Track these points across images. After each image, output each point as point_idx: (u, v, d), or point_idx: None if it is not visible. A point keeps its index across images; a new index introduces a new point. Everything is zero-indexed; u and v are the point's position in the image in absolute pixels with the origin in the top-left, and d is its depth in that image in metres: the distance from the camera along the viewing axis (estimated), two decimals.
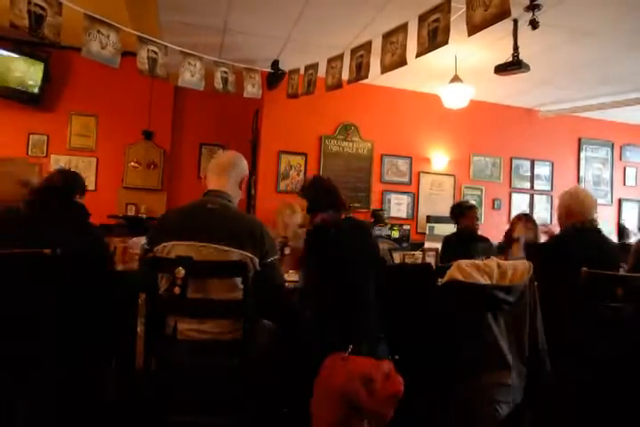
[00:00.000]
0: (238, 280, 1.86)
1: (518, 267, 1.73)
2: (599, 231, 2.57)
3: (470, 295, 1.59)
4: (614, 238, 5.38)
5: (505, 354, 1.60)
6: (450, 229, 4.29)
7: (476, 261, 1.69)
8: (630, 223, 5.87)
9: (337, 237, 2.28)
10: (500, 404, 1.59)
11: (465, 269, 1.64)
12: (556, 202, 2.82)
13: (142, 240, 2.89)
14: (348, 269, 2.21)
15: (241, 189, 2.09)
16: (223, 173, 2.03)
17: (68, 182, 2.34)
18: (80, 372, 2.05)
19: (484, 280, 1.64)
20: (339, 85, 3.83)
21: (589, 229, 2.53)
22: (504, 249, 3.71)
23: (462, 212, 3.99)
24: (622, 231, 4.90)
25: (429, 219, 5.82)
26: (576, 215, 2.56)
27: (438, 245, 3.97)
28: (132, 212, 5.67)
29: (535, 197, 6.47)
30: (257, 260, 1.87)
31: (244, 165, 2.11)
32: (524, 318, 1.68)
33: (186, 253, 1.82)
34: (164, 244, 1.86)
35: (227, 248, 1.82)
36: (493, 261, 1.71)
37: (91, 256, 2.17)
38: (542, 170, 6.51)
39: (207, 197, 2.00)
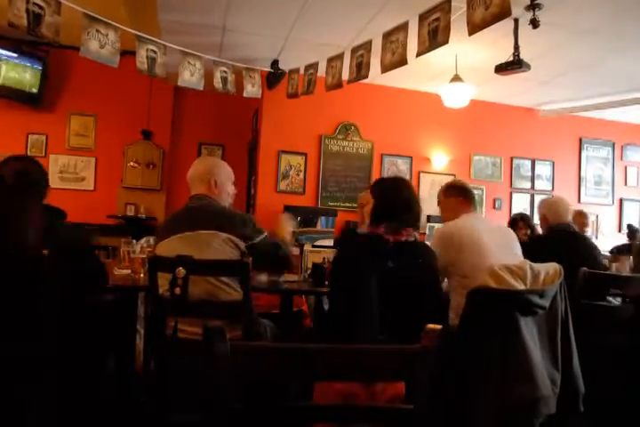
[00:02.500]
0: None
1: (550, 270, 1.69)
2: (574, 233, 2.87)
3: (503, 302, 1.55)
4: (620, 238, 5.37)
5: (538, 364, 1.56)
6: None
7: (509, 265, 1.65)
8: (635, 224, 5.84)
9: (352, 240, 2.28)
10: (536, 417, 1.55)
11: (499, 274, 1.60)
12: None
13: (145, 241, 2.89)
14: (349, 271, 2.20)
15: (217, 189, 2.12)
16: (194, 185, 2.15)
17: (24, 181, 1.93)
18: (80, 372, 2.04)
19: (518, 285, 1.60)
20: (339, 85, 3.82)
21: (564, 231, 2.83)
22: None
23: None
24: (632, 232, 4.87)
25: (429, 219, 5.80)
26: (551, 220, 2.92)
27: None
28: (131, 212, 5.65)
29: (536, 196, 6.45)
30: (242, 242, 1.97)
31: (208, 170, 2.14)
32: (557, 324, 1.64)
33: (173, 246, 1.94)
34: (157, 245, 2.05)
35: (210, 231, 1.93)
36: (526, 264, 1.67)
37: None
38: (543, 170, 6.49)
39: (189, 201, 2.13)
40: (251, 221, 2.06)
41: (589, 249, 2.79)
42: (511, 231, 2.38)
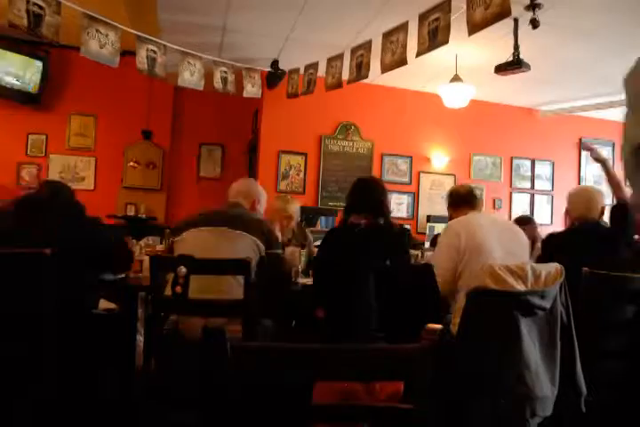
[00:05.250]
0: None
1: (551, 270, 1.69)
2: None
3: (502, 303, 1.55)
4: None
5: (537, 365, 1.55)
6: None
7: (510, 265, 1.64)
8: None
9: (340, 238, 2.34)
10: (531, 417, 1.55)
11: (499, 275, 1.59)
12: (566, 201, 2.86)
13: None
14: (345, 270, 2.24)
15: (254, 209, 2.37)
16: (237, 196, 2.35)
17: (57, 195, 2.30)
18: (80, 372, 2.04)
19: (518, 285, 1.59)
20: (339, 85, 3.82)
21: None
22: None
23: None
24: None
25: (429, 219, 5.81)
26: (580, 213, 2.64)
27: None
28: (131, 212, 5.66)
29: (536, 196, 6.46)
30: (263, 246, 2.11)
31: (253, 191, 2.41)
32: (557, 325, 1.64)
33: (201, 236, 2.06)
34: (184, 232, 2.12)
35: (238, 231, 2.07)
36: (527, 265, 1.67)
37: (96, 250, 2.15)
38: (543, 169, 6.50)
39: (224, 205, 2.34)
40: (274, 233, 2.26)
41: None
42: (519, 231, 2.30)
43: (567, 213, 2.76)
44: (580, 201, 2.69)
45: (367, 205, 2.37)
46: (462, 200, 2.39)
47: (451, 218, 2.46)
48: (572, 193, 2.79)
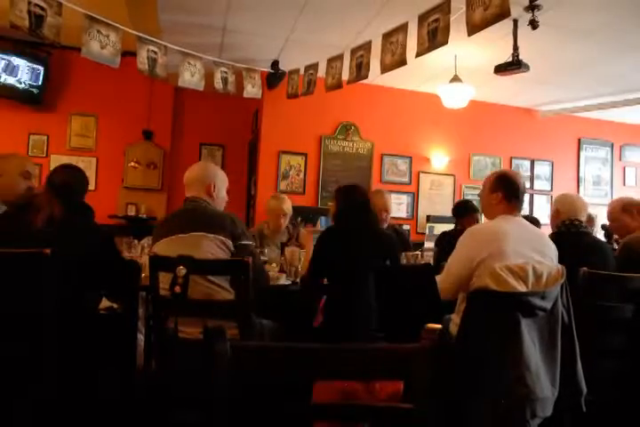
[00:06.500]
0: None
1: (552, 271, 1.68)
2: (587, 233, 2.59)
3: (503, 304, 1.55)
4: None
5: (537, 366, 1.55)
6: (450, 228, 4.26)
7: (511, 265, 1.64)
8: None
9: (337, 238, 2.36)
10: (531, 418, 1.55)
11: (500, 275, 1.58)
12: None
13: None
14: (345, 269, 2.26)
15: (213, 196, 2.19)
16: (191, 187, 2.20)
17: (72, 183, 2.24)
18: (80, 372, 2.05)
19: (519, 286, 1.59)
20: (339, 85, 3.83)
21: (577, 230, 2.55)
22: None
23: (466, 212, 3.93)
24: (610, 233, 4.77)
25: (429, 219, 5.81)
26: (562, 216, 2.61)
27: None
28: (132, 212, 5.66)
29: (535, 196, 6.46)
30: (230, 242, 2.03)
31: (204, 175, 2.20)
32: (558, 325, 1.64)
33: (164, 248, 2.01)
34: (154, 246, 2.10)
35: (200, 233, 1.99)
36: (528, 265, 1.65)
37: (100, 258, 2.13)
38: (542, 170, 6.50)
39: (185, 204, 2.20)
40: (241, 223, 2.13)
41: (598, 247, 2.66)
42: (549, 241, 1.98)
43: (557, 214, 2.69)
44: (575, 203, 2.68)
45: (352, 212, 2.43)
46: (517, 195, 1.97)
47: (490, 206, 2.02)
48: (565, 196, 2.77)
